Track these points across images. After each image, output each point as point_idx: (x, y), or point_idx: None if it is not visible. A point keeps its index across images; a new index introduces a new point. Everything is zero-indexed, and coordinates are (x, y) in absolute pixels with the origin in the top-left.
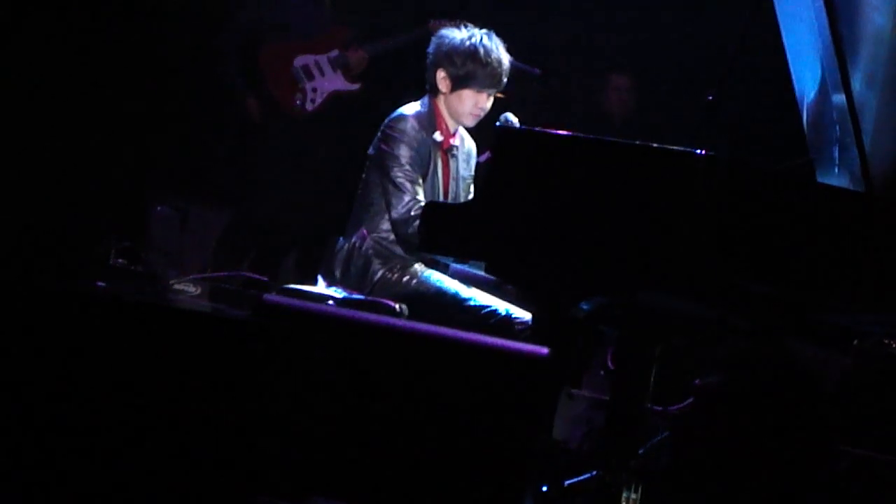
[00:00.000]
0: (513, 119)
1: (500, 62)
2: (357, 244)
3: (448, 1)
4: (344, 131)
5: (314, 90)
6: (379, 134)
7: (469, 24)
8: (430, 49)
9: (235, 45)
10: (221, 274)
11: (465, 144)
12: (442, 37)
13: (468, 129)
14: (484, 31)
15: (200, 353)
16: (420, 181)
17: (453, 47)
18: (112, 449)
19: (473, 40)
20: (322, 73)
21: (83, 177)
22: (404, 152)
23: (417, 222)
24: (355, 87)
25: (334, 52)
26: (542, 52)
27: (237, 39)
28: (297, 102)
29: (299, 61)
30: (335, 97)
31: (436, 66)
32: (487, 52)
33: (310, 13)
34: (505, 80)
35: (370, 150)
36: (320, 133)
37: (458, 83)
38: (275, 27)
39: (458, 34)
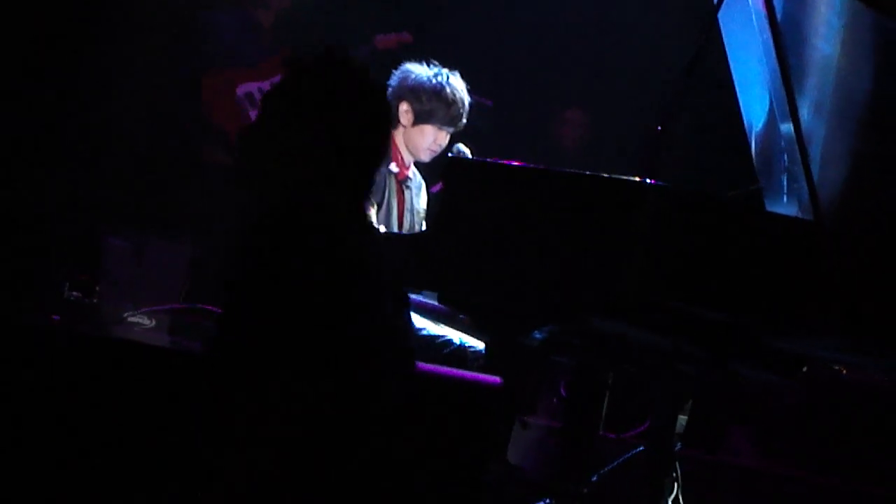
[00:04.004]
0: (465, 150)
1: (463, 102)
2: None
3: (394, 23)
4: None
5: None
6: None
7: (434, 62)
8: (393, 82)
9: (188, 78)
10: (176, 306)
11: (417, 177)
12: (407, 71)
13: (420, 165)
14: (447, 70)
15: (154, 387)
16: (374, 204)
17: (419, 83)
18: (64, 487)
19: (440, 79)
20: None
21: (37, 210)
22: None
23: None
24: None
25: (278, 77)
26: (494, 82)
27: (191, 71)
28: None
29: (242, 89)
30: None
31: (398, 99)
32: (453, 92)
33: (249, 40)
34: (465, 120)
35: None
36: None
37: (420, 118)
38: (215, 57)
39: (424, 70)
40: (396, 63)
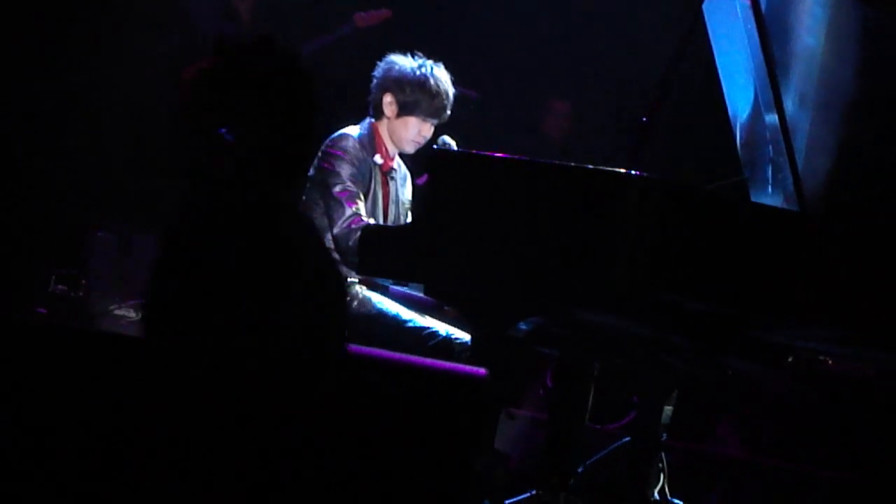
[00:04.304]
0: (450, 142)
1: (447, 94)
2: None
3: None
4: None
5: None
6: (319, 153)
7: (419, 54)
8: (378, 73)
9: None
10: None
11: (402, 169)
12: (391, 63)
13: (405, 155)
14: (431, 62)
15: (141, 380)
16: (361, 197)
17: (403, 74)
18: (46, 483)
19: (424, 70)
20: None
21: (23, 203)
22: (345, 169)
23: (358, 235)
24: None
25: None
26: (480, 74)
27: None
28: None
29: None
30: None
31: (383, 90)
32: (437, 83)
33: (228, 30)
34: (449, 112)
35: (310, 171)
36: None
37: (404, 109)
38: (195, 49)
39: (409, 62)
40: (377, 40)
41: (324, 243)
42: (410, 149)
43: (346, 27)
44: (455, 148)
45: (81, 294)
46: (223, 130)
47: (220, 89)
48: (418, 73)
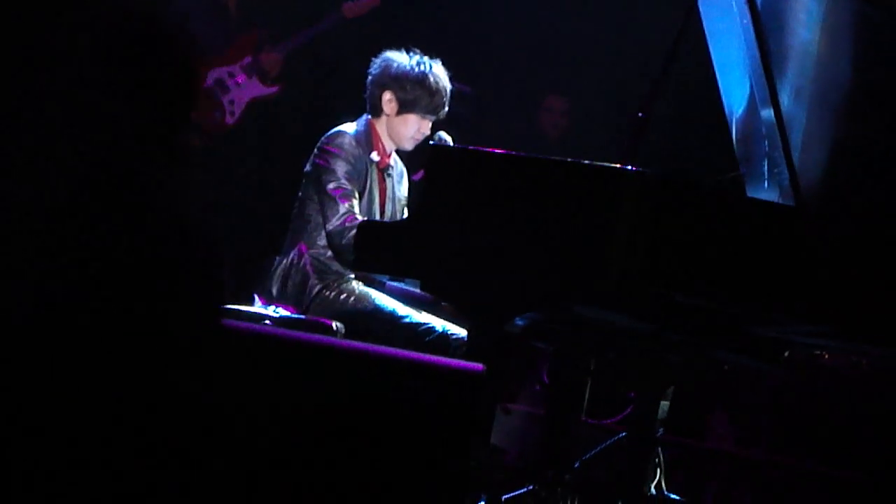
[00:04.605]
0: (446, 137)
1: (446, 90)
2: (294, 260)
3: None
4: (270, 144)
5: (231, 102)
6: (315, 150)
7: (415, 50)
8: (375, 70)
9: None
10: None
11: (398, 165)
12: (388, 59)
13: (401, 151)
14: (429, 58)
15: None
16: (356, 195)
17: (403, 72)
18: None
19: (423, 67)
20: (237, 84)
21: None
22: (341, 167)
23: (352, 233)
24: (273, 90)
25: (247, 59)
26: (474, 69)
27: None
28: (217, 118)
29: (212, 75)
30: (259, 106)
31: (381, 88)
32: (436, 80)
33: (215, 25)
34: (447, 108)
35: (306, 168)
36: (245, 148)
37: (404, 107)
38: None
39: (407, 59)
40: (371, 37)
41: (189, 219)
42: (409, 146)
43: (334, 17)
44: (451, 143)
45: None
46: (96, 102)
47: (87, 60)
48: (417, 70)
